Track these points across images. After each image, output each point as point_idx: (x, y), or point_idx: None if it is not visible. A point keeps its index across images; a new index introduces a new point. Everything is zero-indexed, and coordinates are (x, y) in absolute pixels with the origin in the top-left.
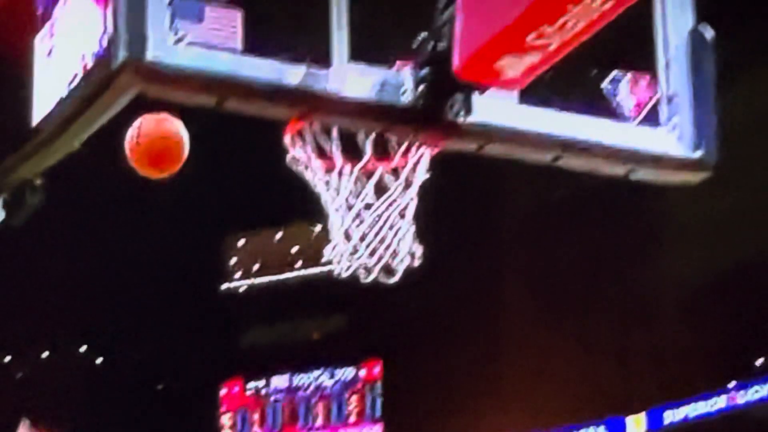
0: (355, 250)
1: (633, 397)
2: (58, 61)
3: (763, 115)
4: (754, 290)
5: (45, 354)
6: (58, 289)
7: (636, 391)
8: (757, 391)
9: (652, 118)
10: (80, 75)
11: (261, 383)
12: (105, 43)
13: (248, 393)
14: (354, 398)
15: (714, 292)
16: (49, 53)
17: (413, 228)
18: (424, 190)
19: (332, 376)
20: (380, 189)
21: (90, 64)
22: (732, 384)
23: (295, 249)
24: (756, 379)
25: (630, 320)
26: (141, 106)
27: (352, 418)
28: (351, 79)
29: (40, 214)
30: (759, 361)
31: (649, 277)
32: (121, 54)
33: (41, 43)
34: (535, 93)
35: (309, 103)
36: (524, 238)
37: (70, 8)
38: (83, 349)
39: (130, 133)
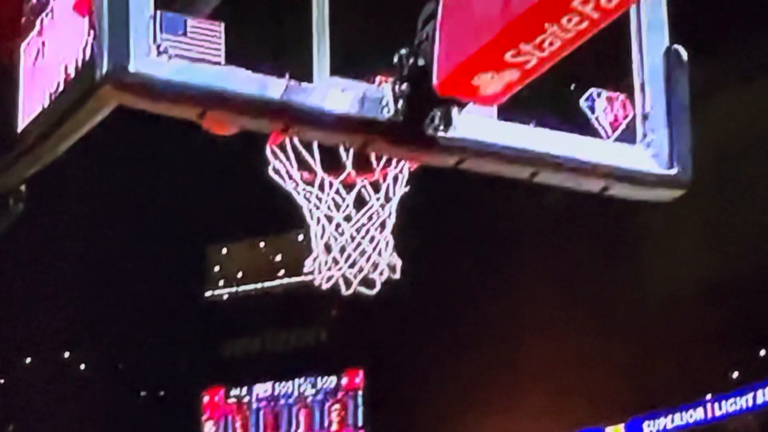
0: (335, 262)
1: (612, 407)
2: (43, 70)
3: (739, 135)
4: (731, 304)
5: (28, 360)
6: (42, 296)
7: (615, 401)
8: (733, 404)
9: (627, 136)
10: (62, 85)
11: (243, 391)
12: (87, 55)
13: (230, 401)
14: (336, 407)
15: (692, 306)
16: (35, 61)
17: (392, 240)
18: (405, 202)
19: (314, 384)
20: (360, 202)
21: (72, 75)
22: (709, 396)
23: (278, 258)
24: (732, 392)
25: (608, 333)
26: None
27: (334, 427)
28: (332, 93)
29: (25, 221)
30: (735, 374)
31: (626, 291)
32: (104, 66)
33: (27, 50)
34: (513, 109)
35: (290, 116)
36: (504, 248)
37: (55, 18)
38: (66, 355)
39: None
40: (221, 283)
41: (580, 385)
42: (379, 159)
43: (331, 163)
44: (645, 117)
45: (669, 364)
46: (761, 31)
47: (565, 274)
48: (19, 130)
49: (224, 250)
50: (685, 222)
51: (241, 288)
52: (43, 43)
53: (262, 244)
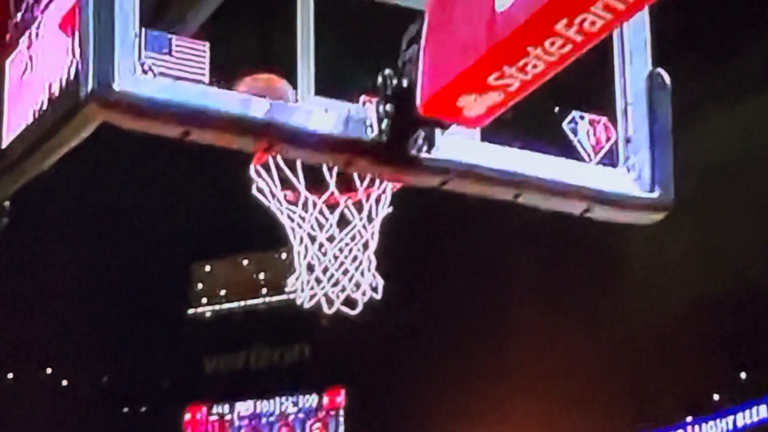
0: (318, 281)
1: (593, 430)
2: (28, 86)
3: (725, 155)
4: (713, 328)
5: (10, 376)
6: (24, 311)
7: (596, 425)
8: (713, 427)
9: (610, 159)
10: (46, 102)
11: (225, 409)
12: (72, 73)
13: (212, 418)
14: (317, 425)
15: (674, 329)
16: (20, 78)
17: (375, 261)
18: (388, 222)
19: (296, 403)
20: (343, 221)
21: (57, 93)
22: (689, 418)
23: (261, 276)
24: (713, 414)
25: (588, 356)
26: None
27: None
28: (316, 113)
29: (8, 238)
30: (716, 397)
31: (611, 312)
32: (89, 84)
33: (12, 66)
34: (497, 131)
35: (274, 135)
36: (490, 264)
37: (40, 35)
38: (49, 371)
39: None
40: (204, 300)
41: (557, 408)
42: (362, 179)
43: (314, 182)
44: (627, 140)
45: (651, 385)
46: (746, 51)
47: (553, 291)
48: (3, 146)
49: (207, 268)
50: (670, 244)
51: (224, 305)
52: (29, 60)
53: (245, 262)
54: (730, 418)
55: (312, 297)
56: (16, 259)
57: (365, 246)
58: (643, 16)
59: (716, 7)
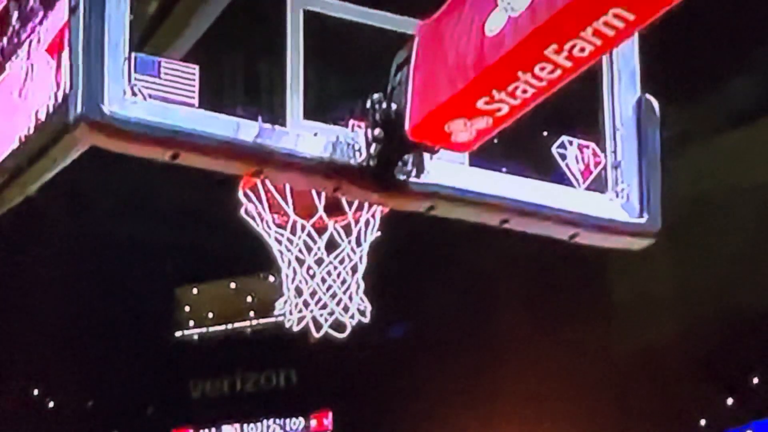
0: (305, 305)
1: None
2: (15, 111)
3: (715, 184)
4: (698, 353)
5: None
6: (11, 333)
7: None
8: None
9: (598, 184)
10: (32, 127)
11: None
12: (60, 96)
13: None
14: None
15: (658, 355)
16: (7, 102)
17: (363, 284)
18: (377, 246)
19: (283, 426)
20: (332, 245)
21: (43, 117)
22: None
23: (249, 299)
24: None
25: (575, 379)
26: None
27: None
28: (305, 137)
29: None
30: (702, 422)
31: (593, 338)
32: (78, 108)
33: None
34: (485, 156)
35: (263, 159)
36: (478, 289)
37: (27, 60)
38: (35, 393)
39: None
40: (191, 323)
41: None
42: (351, 202)
43: (303, 206)
44: (616, 166)
45: (637, 410)
46: (736, 80)
47: (541, 313)
48: None
49: (195, 291)
50: (657, 269)
51: (212, 329)
52: (15, 85)
53: (233, 285)
54: None
55: (300, 320)
56: (3, 282)
57: (353, 269)
58: (633, 43)
59: (703, 39)
